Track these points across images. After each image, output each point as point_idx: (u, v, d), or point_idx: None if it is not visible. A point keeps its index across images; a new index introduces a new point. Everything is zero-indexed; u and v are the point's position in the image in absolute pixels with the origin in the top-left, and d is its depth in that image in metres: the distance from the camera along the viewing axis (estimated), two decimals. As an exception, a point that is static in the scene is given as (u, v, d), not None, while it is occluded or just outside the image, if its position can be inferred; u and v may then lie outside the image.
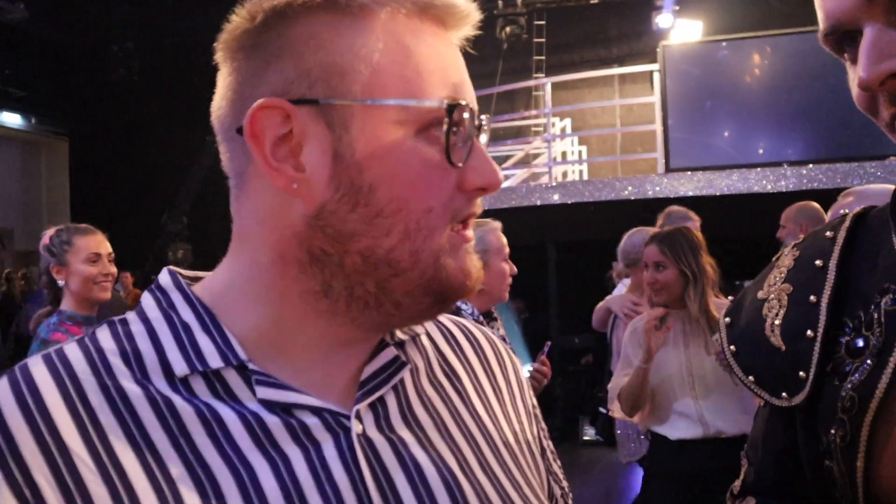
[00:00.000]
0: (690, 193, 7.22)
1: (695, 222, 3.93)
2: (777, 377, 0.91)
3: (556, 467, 0.89)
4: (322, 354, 0.72)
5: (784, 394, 0.89)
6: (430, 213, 0.67)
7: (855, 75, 0.74)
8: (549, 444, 0.89)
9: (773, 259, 1.00)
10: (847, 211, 0.95)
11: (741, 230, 6.24)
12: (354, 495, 0.66)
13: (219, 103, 0.71)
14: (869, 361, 0.81)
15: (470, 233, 0.72)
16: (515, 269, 2.89)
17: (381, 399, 0.72)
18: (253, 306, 0.70)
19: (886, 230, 0.85)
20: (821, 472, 0.86)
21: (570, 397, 8.08)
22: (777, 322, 0.92)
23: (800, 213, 3.73)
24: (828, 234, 0.93)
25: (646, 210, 7.11)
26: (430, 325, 0.84)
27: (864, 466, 0.80)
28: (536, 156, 10.18)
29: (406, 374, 0.76)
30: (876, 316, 0.82)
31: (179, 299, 0.71)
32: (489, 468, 0.75)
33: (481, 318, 2.84)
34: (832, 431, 0.83)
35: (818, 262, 0.90)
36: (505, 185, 9.44)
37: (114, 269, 2.94)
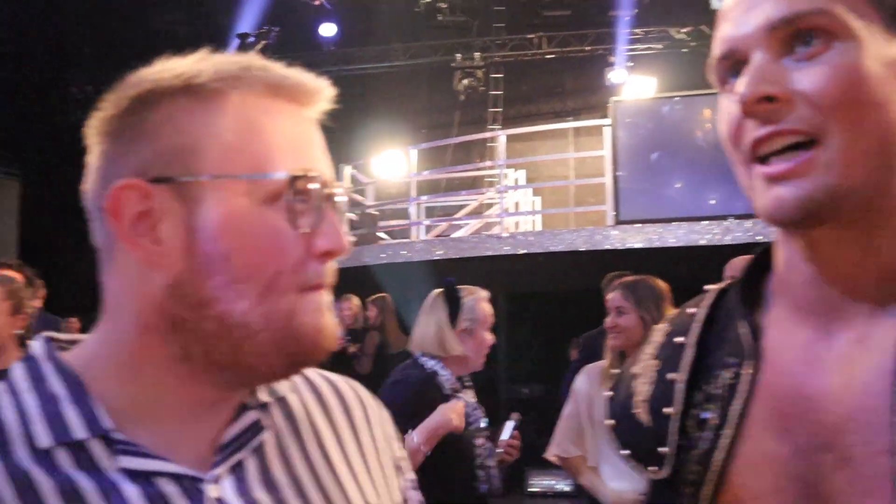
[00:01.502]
0: (640, 245, 7.28)
1: None
2: (646, 451, 0.93)
3: None
4: (185, 419, 0.75)
5: (652, 468, 0.92)
6: (280, 276, 0.72)
7: (731, 103, 0.77)
8: (414, 494, 0.94)
9: (651, 333, 1.02)
10: (710, 287, 0.97)
11: (689, 282, 6.27)
12: None
13: (89, 184, 0.76)
14: (710, 434, 0.84)
15: (326, 293, 0.77)
16: (494, 339, 2.95)
17: (241, 463, 0.76)
18: (119, 374, 0.73)
19: (737, 310, 0.88)
20: None
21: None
22: (644, 398, 0.95)
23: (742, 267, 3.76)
24: (690, 310, 0.96)
25: (595, 261, 7.14)
26: (299, 382, 0.88)
27: None
28: (490, 206, 10.22)
29: (267, 437, 0.79)
30: (717, 390, 0.85)
31: (49, 369, 0.73)
32: None
33: (457, 384, 2.82)
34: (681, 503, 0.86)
35: (679, 340, 0.93)
36: (457, 234, 9.45)
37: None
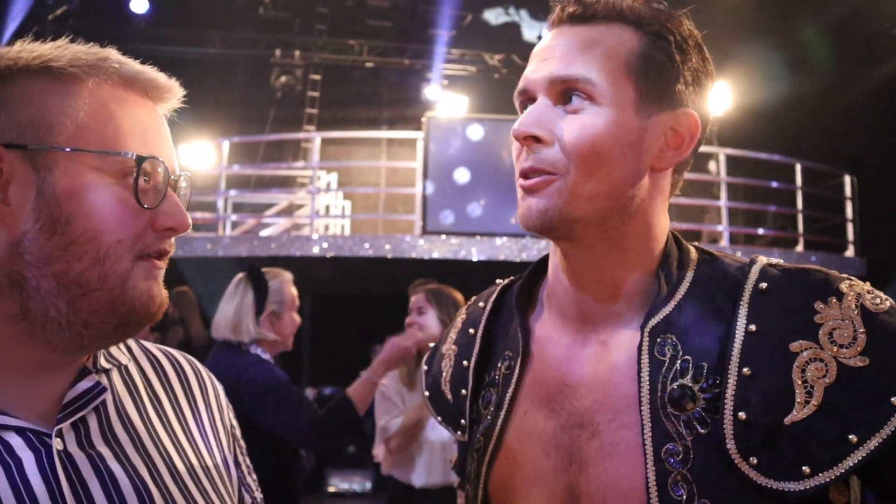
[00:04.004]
0: (444, 256, 7.61)
1: None
2: (452, 420, 1.16)
3: (251, 480, 1.05)
4: (26, 378, 0.82)
5: (458, 433, 1.14)
6: (119, 244, 0.81)
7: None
8: (244, 460, 1.05)
9: (457, 315, 1.24)
10: (500, 281, 1.20)
11: (487, 294, 6.66)
12: (51, 503, 0.76)
13: None
14: (490, 412, 1.06)
15: (161, 264, 0.87)
16: (300, 320, 2.97)
17: (83, 419, 0.84)
18: None
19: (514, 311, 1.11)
20: None
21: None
22: (447, 378, 1.17)
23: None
24: (481, 304, 1.19)
25: (401, 269, 7.38)
26: (139, 355, 0.97)
27: (482, 493, 1.04)
28: (300, 206, 10.17)
29: (108, 398, 0.88)
30: (497, 376, 1.08)
31: None
32: (179, 478, 0.89)
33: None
34: (469, 465, 1.08)
35: (471, 331, 1.16)
36: (265, 233, 9.32)
37: None
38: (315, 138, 9.05)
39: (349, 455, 7.91)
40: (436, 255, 7.62)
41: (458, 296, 3.38)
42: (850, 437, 0.84)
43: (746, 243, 9.71)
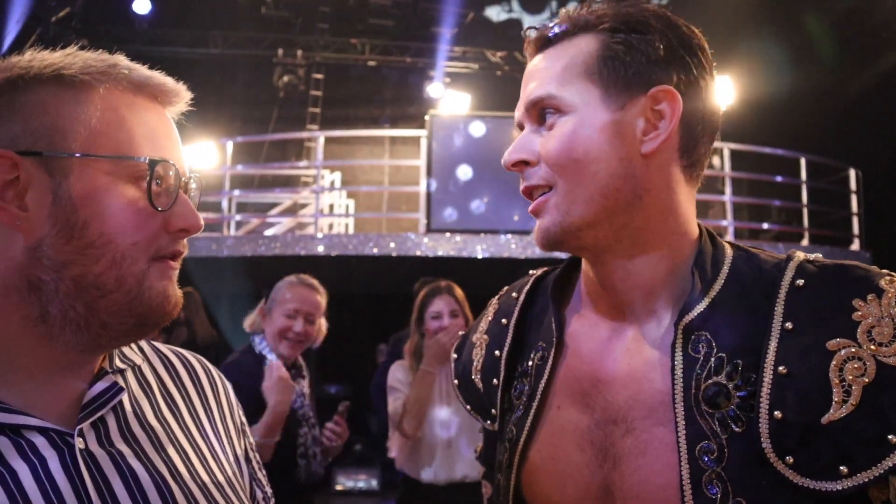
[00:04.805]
0: (448, 254, 7.61)
1: None
2: (482, 409, 1.16)
3: (261, 475, 1.07)
4: (45, 379, 0.84)
5: (488, 422, 1.15)
6: (135, 246, 0.83)
7: None
8: (255, 456, 1.07)
9: (488, 304, 1.24)
10: (534, 272, 1.21)
11: (493, 291, 6.66)
12: (76, 500, 0.78)
13: None
14: (522, 404, 1.07)
15: (175, 264, 0.89)
16: (300, 329, 2.92)
17: (102, 419, 0.86)
18: None
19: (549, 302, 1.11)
20: None
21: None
22: (478, 367, 1.18)
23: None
24: (514, 294, 1.19)
25: (406, 267, 7.38)
26: (152, 356, 1.00)
27: (515, 483, 1.05)
28: (304, 206, 10.18)
29: (125, 398, 0.90)
30: (530, 367, 1.09)
31: None
32: (197, 475, 0.91)
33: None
34: (500, 455, 1.09)
35: (504, 321, 1.16)
36: (269, 232, 9.33)
37: None
38: (318, 137, 9.05)
39: (356, 453, 7.92)
40: (440, 252, 7.61)
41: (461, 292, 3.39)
42: (890, 437, 0.83)
43: (751, 238, 9.69)
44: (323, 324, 3.04)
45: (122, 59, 0.87)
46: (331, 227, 10.30)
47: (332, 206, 10.56)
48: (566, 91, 0.97)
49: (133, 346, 0.98)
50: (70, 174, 0.81)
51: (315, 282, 2.98)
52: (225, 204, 8.96)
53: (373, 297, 8.37)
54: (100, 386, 0.87)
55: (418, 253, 7.64)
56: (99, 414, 0.85)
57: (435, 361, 3.15)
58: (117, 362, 0.92)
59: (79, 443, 0.82)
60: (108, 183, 0.82)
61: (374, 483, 7.44)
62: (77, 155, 0.81)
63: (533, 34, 1.04)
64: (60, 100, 0.82)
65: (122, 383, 0.90)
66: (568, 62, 0.98)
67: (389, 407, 3.29)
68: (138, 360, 0.96)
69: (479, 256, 7.60)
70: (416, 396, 3.16)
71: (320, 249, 7.72)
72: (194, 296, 6.29)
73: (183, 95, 0.92)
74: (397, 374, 3.33)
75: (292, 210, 10.11)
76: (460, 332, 3.07)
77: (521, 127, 1.04)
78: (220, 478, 0.94)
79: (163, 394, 0.96)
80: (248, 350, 2.88)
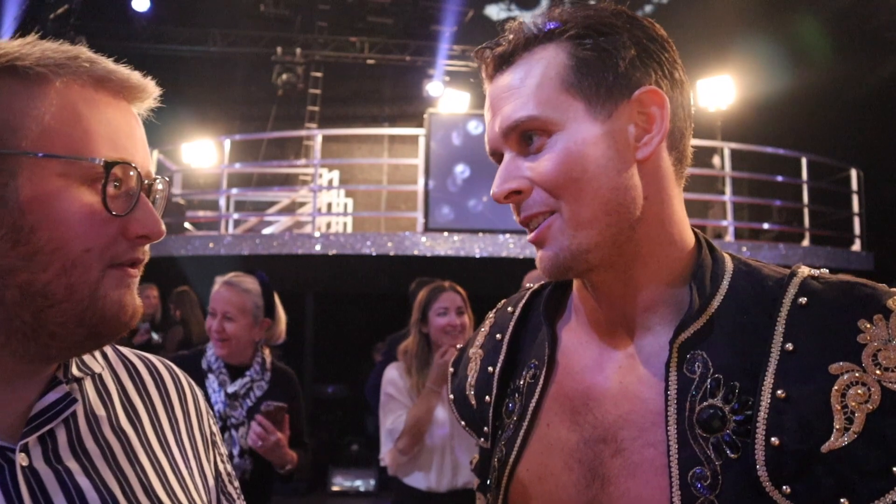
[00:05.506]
0: (447, 253, 7.58)
1: None
2: (475, 426, 1.12)
3: (232, 489, 1.01)
4: None
5: (482, 439, 1.10)
6: (88, 253, 0.77)
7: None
8: (224, 468, 1.01)
9: (485, 317, 1.20)
10: (530, 285, 1.15)
11: (491, 290, 6.63)
12: None
13: None
14: (513, 422, 1.03)
15: (135, 272, 0.82)
16: (212, 326, 2.79)
17: (52, 432, 0.80)
18: None
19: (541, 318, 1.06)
20: None
21: (321, 447, 7.99)
22: (472, 383, 1.13)
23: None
24: (510, 309, 1.14)
25: (404, 266, 7.35)
26: (116, 363, 0.94)
27: (502, 502, 1.01)
28: (302, 204, 10.15)
29: (79, 409, 0.84)
30: (521, 385, 1.04)
31: None
32: (152, 491, 0.85)
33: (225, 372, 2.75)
34: (490, 475, 1.05)
35: (498, 336, 1.12)
36: (267, 231, 9.30)
37: None
38: (316, 136, 9.02)
39: (353, 454, 7.88)
40: (438, 252, 7.58)
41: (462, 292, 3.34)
42: (895, 469, 0.78)
43: (752, 238, 9.66)
44: (282, 319, 2.96)
45: (84, 51, 0.81)
46: (329, 225, 10.27)
47: (330, 205, 10.53)
48: (547, 109, 0.90)
49: (95, 351, 0.92)
50: (18, 174, 0.74)
51: (242, 281, 2.85)
52: (222, 202, 8.93)
53: (370, 297, 8.33)
54: (51, 397, 0.81)
55: (416, 252, 7.60)
56: (48, 427, 0.80)
57: (441, 381, 3.04)
58: (74, 371, 0.86)
59: (21, 459, 0.76)
60: (61, 185, 0.76)
61: (371, 483, 7.41)
62: (28, 154, 0.75)
63: (489, 53, 0.96)
64: (12, 92, 0.76)
65: (76, 394, 0.84)
66: (540, 77, 0.91)
67: (385, 420, 3.21)
68: (98, 367, 0.90)
69: (477, 256, 7.56)
70: (417, 416, 3.07)
71: (318, 248, 7.69)
72: (190, 295, 6.27)
73: (150, 91, 0.85)
74: (392, 376, 3.26)
75: (290, 209, 10.09)
76: (458, 346, 3.03)
77: (496, 154, 0.96)
78: (179, 493, 0.89)
79: (124, 404, 0.90)
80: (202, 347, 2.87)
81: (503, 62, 0.95)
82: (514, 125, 0.92)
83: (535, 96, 0.91)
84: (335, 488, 7.43)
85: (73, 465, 0.80)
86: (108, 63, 0.82)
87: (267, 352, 2.89)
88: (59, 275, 0.76)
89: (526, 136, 0.92)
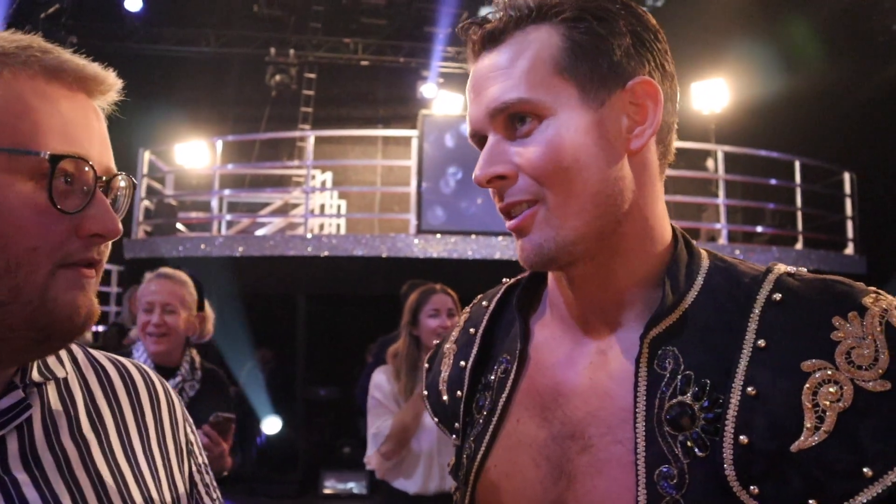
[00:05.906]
0: (440, 255, 7.55)
1: None
2: (448, 422, 1.10)
3: (209, 500, 0.96)
4: None
5: (454, 436, 1.08)
6: (34, 252, 0.72)
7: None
8: (202, 478, 0.96)
9: (462, 312, 1.17)
10: (507, 280, 1.12)
11: (483, 292, 6.60)
12: None
13: None
14: (482, 418, 1.00)
15: (90, 272, 0.78)
16: (142, 320, 2.73)
17: (2, 440, 0.75)
18: None
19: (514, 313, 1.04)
20: None
21: (313, 450, 7.95)
22: (444, 378, 1.11)
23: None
24: (484, 303, 1.12)
25: (396, 268, 7.32)
26: (85, 366, 0.89)
27: (469, 501, 0.99)
28: (295, 206, 10.11)
29: (35, 416, 0.79)
30: (493, 380, 1.02)
31: None
32: (108, 502, 0.80)
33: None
34: (459, 471, 1.03)
35: (472, 330, 1.09)
36: (260, 232, 9.26)
37: None
38: (310, 137, 9.00)
39: (345, 456, 7.85)
40: (431, 254, 7.56)
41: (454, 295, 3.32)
42: (865, 469, 0.76)
43: (745, 241, 9.66)
44: (209, 316, 2.88)
45: (37, 41, 0.77)
46: (322, 227, 10.24)
47: (323, 207, 10.50)
48: (539, 92, 0.86)
49: (63, 354, 0.87)
50: None
51: (176, 273, 2.77)
52: (215, 203, 8.89)
53: (363, 299, 8.30)
54: (3, 403, 0.76)
55: (410, 254, 7.58)
56: None
57: None
58: (35, 375, 0.81)
59: None
60: (4, 180, 0.71)
61: (362, 486, 7.37)
62: None
63: (478, 31, 0.91)
64: None
65: (33, 399, 0.79)
66: (533, 59, 0.87)
67: (371, 424, 3.18)
68: (63, 372, 0.85)
69: (470, 258, 7.54)
70: (403, 422, 3.03)
71: (310, 250, 7.66)
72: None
73: (111, 84, 0.81)
74: (379, 380, 3.23)
75: (283, 210, 10.05)
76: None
77: (478, 137, 0.92)
78: None
79: (89, 410, 0.85)
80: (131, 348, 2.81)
81: (492, 40, 0.91)
82: (503, 107, 0.88)
83: (526, 78, 0.87)
84: (327, 491, 7.40)
85: (21, 476, 0.75)
86: (62, 53, 0.78)
87: (194, 352, 2.81)
88: (3, 275, 0.71)
89: (514, 118, 0.88)
